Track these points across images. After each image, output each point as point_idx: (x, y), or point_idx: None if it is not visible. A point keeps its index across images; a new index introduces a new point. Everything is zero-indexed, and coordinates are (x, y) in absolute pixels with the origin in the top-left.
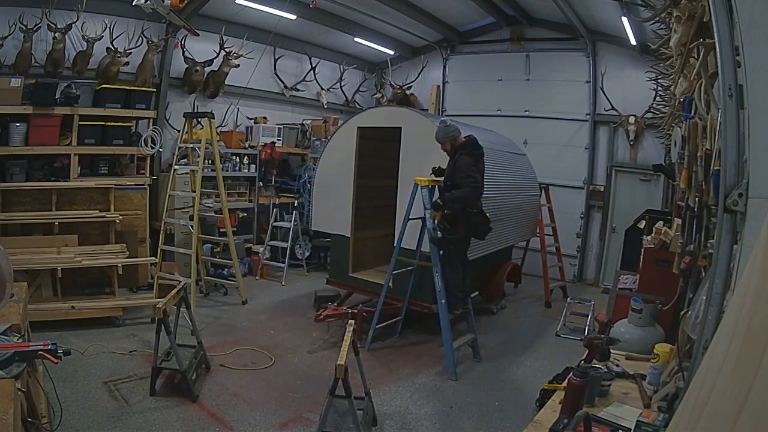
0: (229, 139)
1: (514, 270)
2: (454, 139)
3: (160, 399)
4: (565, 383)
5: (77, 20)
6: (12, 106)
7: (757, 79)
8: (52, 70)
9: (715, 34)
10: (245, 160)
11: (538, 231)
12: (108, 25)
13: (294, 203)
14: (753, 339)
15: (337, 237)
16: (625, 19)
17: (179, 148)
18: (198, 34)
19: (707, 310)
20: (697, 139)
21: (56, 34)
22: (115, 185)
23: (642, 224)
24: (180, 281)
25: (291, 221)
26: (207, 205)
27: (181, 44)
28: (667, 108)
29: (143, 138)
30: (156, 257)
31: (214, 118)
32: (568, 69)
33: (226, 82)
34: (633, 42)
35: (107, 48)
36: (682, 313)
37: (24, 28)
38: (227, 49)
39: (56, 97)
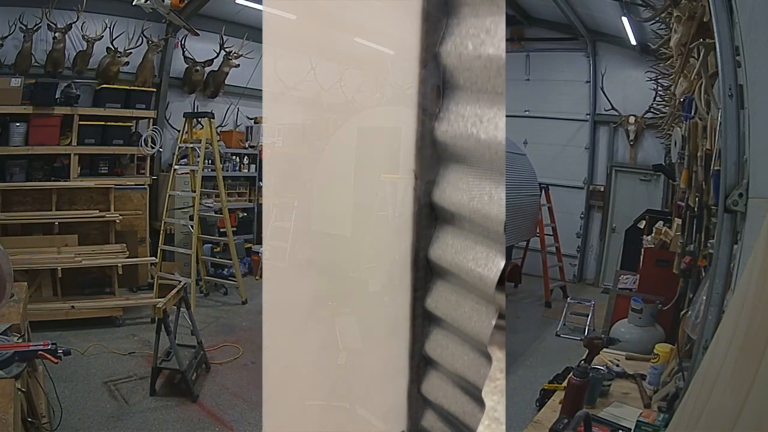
0: (229, 139)
1: (514, 270)
2: None
3: (160, 399)
4: (565, 383)
5: (77, 20)
6: (12, 106)
7: (757, 79)
8: (52, 70)
9: (715, 34)
10: (245, 160)
11: (538, 231)
12: (108, 25)
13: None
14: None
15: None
16: (625, 19)
17: (179, 148)
18: (198, 34)
19: (707, 310)
20: (697, 139)
21: (56, 34)
22: (115, 185)
23: (642, 224)
24: (180, 281)
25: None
26: (207, 205)
27: (181, 44)
28: (667, 108)
29: (143, 138)
30: (156, 257)
31: (214, 118)
32: (568, 69)
33: (226, 82)
34: (633, 42)
35: (107, 48)
36: (682, 313)
37: (24, 28)
38: (227, 49)
39: (56, 97)
